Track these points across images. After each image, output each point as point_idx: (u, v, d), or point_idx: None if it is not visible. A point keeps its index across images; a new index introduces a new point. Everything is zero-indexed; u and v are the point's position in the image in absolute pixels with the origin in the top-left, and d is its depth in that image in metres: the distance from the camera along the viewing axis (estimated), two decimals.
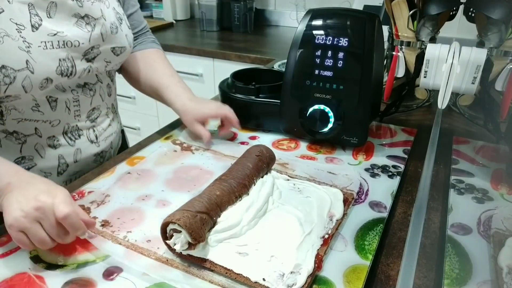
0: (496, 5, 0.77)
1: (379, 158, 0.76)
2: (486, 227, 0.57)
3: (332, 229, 0.55)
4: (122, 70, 0.89)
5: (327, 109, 0.75)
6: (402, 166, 0.73)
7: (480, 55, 0.74)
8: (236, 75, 0.89)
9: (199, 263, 0.50)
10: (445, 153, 0.79)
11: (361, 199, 0.64)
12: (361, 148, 0.80)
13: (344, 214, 0.59)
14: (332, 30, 0.74)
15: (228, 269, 0.48)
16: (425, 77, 0.80)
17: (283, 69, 0.80)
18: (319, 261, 0.49)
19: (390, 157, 0.77)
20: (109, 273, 0.49)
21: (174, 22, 2.17)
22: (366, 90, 0.73)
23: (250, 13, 1.98)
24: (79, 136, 0.74)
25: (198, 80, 1.78)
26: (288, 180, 0.67)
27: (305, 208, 0.58)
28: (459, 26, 0.98)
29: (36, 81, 0.62)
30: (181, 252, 0.50)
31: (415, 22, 0.90)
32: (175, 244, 0.49)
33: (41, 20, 0.62)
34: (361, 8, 1.40)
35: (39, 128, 0.68)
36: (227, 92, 0.86)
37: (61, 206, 0.49)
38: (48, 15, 0.62)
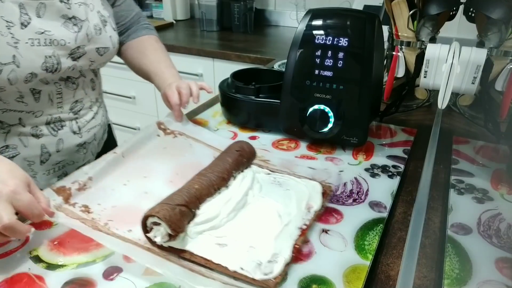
0: (496, 5, 0.77)
1: (379, 158, 0.76)
2: (486, 227, 0.57)
3: (310, 220, 0.56)
4: (122, 57, 0.94)
5: (327, 109, 0.75)
6: (402, 166, 0.73)
7: (480, 55, 0.74)
8: (236, 75, 0.89)
9: (179, 254, 0.51)
10: (445, 153, 0.79)
11: (361, 199, 0.64)
12: (361, 148, 0.80)
13: (322, 206, 0.60)
14: (332, 30, 0.74)
15: (207, 259, 0.49)
16: (425, 77, 0.80)
17: (283, 69, 0.80)
18: (296, 251, 0.51)
19: (390, 157, 0.77)
20: (109, 273, 0.49)
21: (174, 22, 2.17)
22: (366, 90, 0.73)
23: (250, 13, 1.98)
24: (62, 127, 0.75)
25: (198, 80, 1.77)
26: (269, 174, 0.68)
27: (284, 201, 0.60)
28: (459, 26, 0.98)
29: (22, 75, 0.64)
30: (162, 245, 0.51)
31: (415, 22, 0.90)
32: (155, 237, 0.50)
33: (30, 19, 0.64)
34: (361, 8, 1.40)
35: (23, 118, 0.70)
36: (227, 92, 0.86)
37: (3, 213, 0.46)
38: (38, 15, 0.65)
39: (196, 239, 0.52)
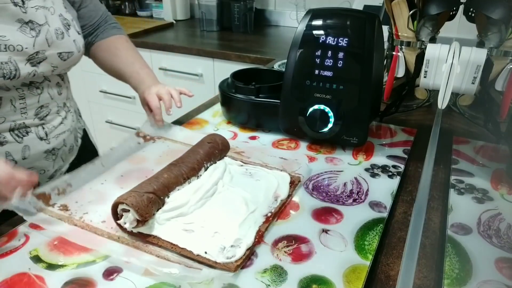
0: (496, 5, 0.77)
1: (379, 158, 0.76)
2: (486, 227, 0.57)
3: (276, 208, 0.59)
4: (92, 59, 0.92)
5: (327, 109, 0.75)
6: (402, 166, 0.73)
7: (480, 55, 0.74)
8: (236, 75, 0.89)
9: (148, 239, 0.53)
10: (445, 153, 0.79)
11: (361, 199, 0.64)
12: (361, 148, 0.80)
13: (289, 195, 0.63)
14: (332, 30, 0.74)
15: (174, 244, 0.52)
16: (425, 77, 0.80)
17: (283, 69, 0.80)
18: (259, 236, 0.54)
19: (390, 157, 0.77)
20: (109, 273, 0.49)
21: (174, 22, 2.17)
22: (366, 90, 0.73)
23: (250, 13, 1.98)
24: (27, 133, 0.72)
25: (198, 80, 1.78)
26: (241, 165, 0.71)
27: (253, 190, 0.63)
28: (459, 26, 0.98)
29: None
30: (132, 231, 0.53)
31: (415, 22, 0.90)
32: (125, 223, 0.53)
33: None
34: (361, 8, 1.40)
35: None
36: (227, 92, 0.86)
37: None
38: None
39: (164, 225, 0.55)
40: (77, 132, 0.88)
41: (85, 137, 0.93)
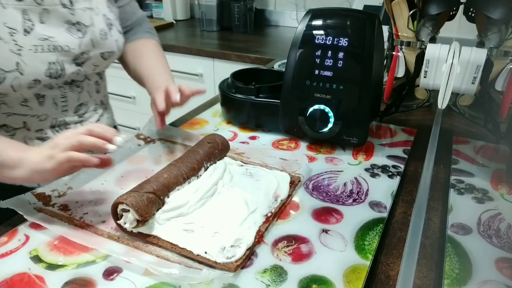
0: (496, 5, 0.77)
1: (379, 158, 0.76)
2: (486, 227, 0.57)
3: (276, 208, 0.59)
4: (120, 61, 0.90)
5: (327, 109, 0.75)
6: (402, 166, 0.73)
7: (480, 55, 0.74)
8: (236, 75, 0.89)
9: (148, 239, 0.53)
10: (445, 153, 0.79)
11: (361, 199, 0.64)
12: (361, 148, 0.79)
13: (289, 195, 0.63)
14: (332, 30, 0.74)
15: (174, 244, 0.52)
16: (425, 77, 0.80)
17: (283, 69, 0.80)
18: (259, 236, 0.54)
19: (390, 157, 0.77)
20: (109, 273, 0.49)
21: (174, 22, 2.17)
22: (366, 90, 0.73)
23: (250, 13, 1.98)
24: (67, 129, 0.75)
25: (198, 80, 1.78)
26: (241, 165, 0.71)
27: (253, 190, 0.63)
28: (459, 26, 0.98)
29: (25, 82, 0.64)
30: (132, 231, 0.53)
31: (415, 22, 0.90)
32: (125, 223, 0.53)
33: (33, 25, 0.63)
34: (361, 8, 1.40)
35: (28, 122, 0.70)
36: (227, 92, 0.86)
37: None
38: (41, 21, 0.64)
39: (164, 225, 0.55)
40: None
41: None
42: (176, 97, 0.68)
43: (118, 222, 0.54)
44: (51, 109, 0.71)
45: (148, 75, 0.83)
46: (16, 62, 0.62)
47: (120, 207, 0.53)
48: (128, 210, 0.52)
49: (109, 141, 0.56)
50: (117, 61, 0.93)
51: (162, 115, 0.74)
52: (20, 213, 0.56)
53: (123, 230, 0.54)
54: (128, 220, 0.52)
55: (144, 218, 0.53)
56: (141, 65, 0.86)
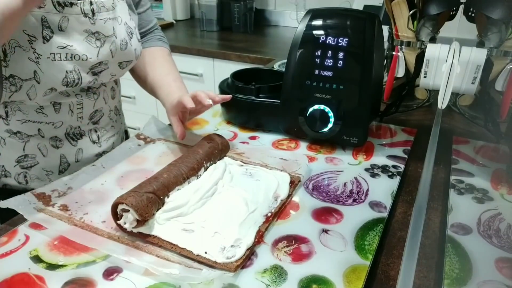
0: (496, 5, 0.77)
1: (379, 158, 0.76)
2: (486, 227, 0.57)
3: (276, 208, 0.59)
4: (130, 70, 0.89)
5: (327, 109, 0.75)
6: (402, 166, 0.73)
7: (480, 55, 0.74)
8: (236, 75, 0.89)
9: (148, 239, 0.53)
10: (445, 153, 0.79)
11: (361, 199, 0.64)
12: (361, 148, 0.79)
13: (289, 195, 0.63)
14: (332, 30, 0.74)
15: (174, 244, 0.52)
16: (425, 77, 0.80)
17: (283, 69, 0.80)
18: (259, 236, 0.54)
19: (390, 157, 0.77)
20: (109, 273, 0.49)
21: (174, 22, 2.17)
22: (366, 90, 0.73)
23: (250, 13, 1.98)
24: (81, 136, 0.75)
25: (198, 80, 1.78)
26: (241, 165, 0.71)
27: (253, 190, 0.63)
28: (459, 26, 0.98)
29: (41, 90, 0.63)
30: (131, 231, 0.53)
31: (415, 22, 0.90)
32: (125, 223, 0.53)
33: (52, 33, 0.62)
34: (361, 8, 1.40)
35: (42, 129, 0.70)
36: (227, 92, 0.86)
37: None
38: (60, 28, 0.63)
39: (164, 225, 0.55)
40: (123, 134, 0.90)
41: (126, 138, 0.94)
42: (209, 101, 0.68)
43: (118, 222, 0.54)
44: (67, 116, 0.71)
45: (161, 84, 0.82)
46: (33, 71, 0.61)
47: (120, 207, 0.53)
48: (128, 210, 0.52)
49: None
50: None
51: (182, 125, 0.73)
52: (21, 213, 0.56)
53: (123, 230, 0.54)
54: (128, 220, 0.52)
55: (144, 218, 0.53)
56: (153, 73, 0.84)
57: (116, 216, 0.54)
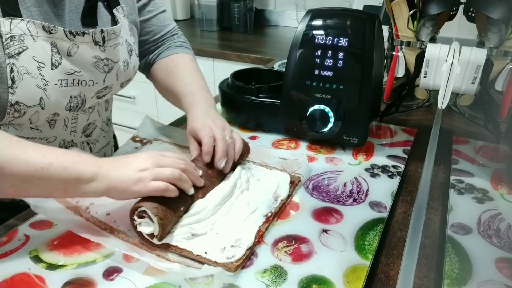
0: (496, 5, 0.77)
1: (379, 158, 0.76)
2: (486, 227, 0.57)
3: (276, 208, 0.59)
4: (151, 80, 0.86)
5: (327, 109, 0.75)
6: (402, 166, 0.73)
7: (480, 55, 0.74)
8: (236, 75, 0.89)
9: (147, 240, 0.53)
10: (445, 153, 0.79)
11: (361, 199, 0.64)
12: (361, 148, 0.79)
13: (289, 195, 0.63)
14: (332, 30, 0.74)
15: (174, 245, 0.52)
16: (425, 77, 0.80)
17: (283, 69, 0.80)
18: (259, 236, 0.54)
19: (390, 157, 0.77)
20: (109, 273, 0.49)
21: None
22: (366, 90, 0.73)
23: (250, 13, 1.98)
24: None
25: None
26: (251, 169, 0.70)
27: (254, 190, 0.63)
28: (459, 26, 0.98)
29: (44, 116, 0.62)
30: (139, 232, 0.53)
31: (415, 22, 0.90)
32: (140, 224, 0.52)
33: (61, 59, 0.61)
34: (361, 8, 1.40)
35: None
36: (227, 92, 0.86)
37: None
38: (69, 53, 0.61)
39: (176, 231, 0.54)
40: (113, 140, 0.89)
41: (115, 143, 0.93)
42: (221, 164, 0.63)
43: (135, 222, 0.52)
44: (61, 131, 0.69)
45: (185, 93, 0.76)
46: (40, 98, 0.59)
47: (144, 210, 0.51)
48: (150, 217, 0.51)
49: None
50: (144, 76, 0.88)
51: (204, 157, 0.64)
52: (28, 203, 0.55)
53: (134, 227, 0.53)
54: (144, 230, 0.51)
55: (159, 239, 0.52)
56: (173, 81, 0.78)
57: (134, 211, 0.52)
